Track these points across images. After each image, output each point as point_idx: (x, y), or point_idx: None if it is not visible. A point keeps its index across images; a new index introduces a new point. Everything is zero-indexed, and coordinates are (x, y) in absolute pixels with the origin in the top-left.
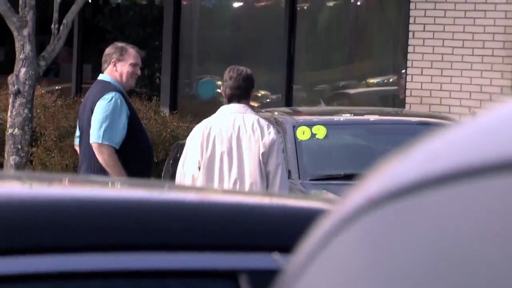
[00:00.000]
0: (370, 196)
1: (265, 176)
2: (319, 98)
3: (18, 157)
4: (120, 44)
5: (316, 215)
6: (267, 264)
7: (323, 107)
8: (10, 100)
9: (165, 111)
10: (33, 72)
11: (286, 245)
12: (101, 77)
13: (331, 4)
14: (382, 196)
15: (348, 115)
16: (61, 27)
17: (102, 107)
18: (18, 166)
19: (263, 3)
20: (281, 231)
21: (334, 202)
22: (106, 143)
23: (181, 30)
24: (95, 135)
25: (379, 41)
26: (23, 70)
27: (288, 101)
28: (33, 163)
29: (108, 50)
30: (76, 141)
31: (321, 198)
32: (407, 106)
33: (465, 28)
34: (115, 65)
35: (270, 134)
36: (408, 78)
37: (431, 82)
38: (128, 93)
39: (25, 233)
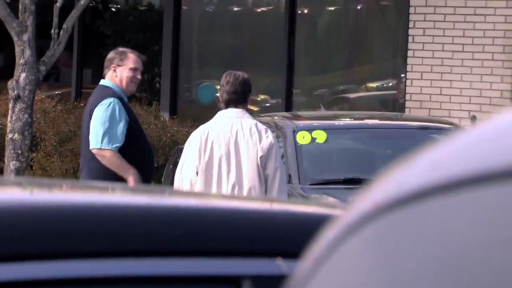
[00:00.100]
0: (375, 203)
1: (264, 180)
2: (319, 102)
3: (18, 162)
4: (121, 49)
5: (320, 220)
6: (270, 270)
7: (323, 112)
8: (10, 105)
9: (165, 115)
10: (33, 77)
11: (290, 251)
12: (102, 82)
13: (331, 8)
14: (387, 203)
15: (348, 119)
16: (61, 32)
17: (100, 113)
18: (18, 171)
19: (263, 8)
20: (284, 236)
21: (336, 207)
22: (106, 147)
23: (181, 35)
24: (94, 141)
25: (378, 45)
26: (23, 75)
27: (288, 106)
28: (33, 168)
29: (109, 55)
30: None
31: (323, 204)
32: (407, 110)
33: (465, 32)
34: (115, 70)
35: (268, 138)
36: (408, 82)
37: (431, 87)
38: (128, 98)
39: (28, 240)
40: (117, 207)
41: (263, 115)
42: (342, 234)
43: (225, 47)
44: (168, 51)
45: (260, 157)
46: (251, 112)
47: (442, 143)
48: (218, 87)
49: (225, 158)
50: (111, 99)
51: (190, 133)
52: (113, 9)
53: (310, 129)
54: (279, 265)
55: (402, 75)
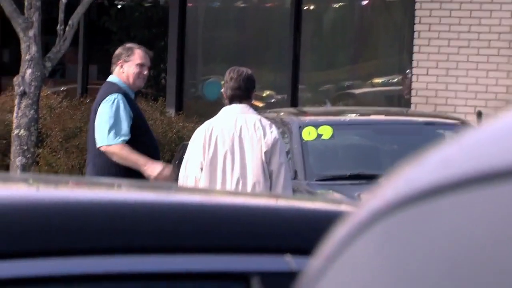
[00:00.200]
0: (385, 201)
1: (268, 176)
2: (325, 98)
3: (24, 158)
4: (128, 45)
5: (327, 217)
6: (279, 266)
7: (328, 108)
8: (16, 101)
9: (171, 111)
10: (38, 73)
11: (298, 247)
12: (109, 78)
13: (336, 4)
14: (397, 201)
15: (354, 115)
16: (67, 28)
17: (104, 110)
18: (24, 167)
19: (268, 4)
20: (292, 233)
21: (343, 203)
22: (113, 142)
23: (187, 31)
24: (100, 139)
25: (384, 41)
26: (28, 71)
27: (294, 101)
28: (39, 164)
29: (117, 51)
30: None
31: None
32: (412, 106)
33: (471, 28)
34: (122, 66)
35: (273, 133)
36: (414, 78)
37: (436, 82)
38: (135, 94)
39: (35, 236)
40: (127, 204)
41: (268, 111)
42: (353, 232)
43: (231, 43)
44: (174, 47)
45: (265, 152)
46: (256, 108)
47: (451, 141)
48: (223, 83)
49: (229, 153)
50: (115, 95)
51: (196, 129)
52: (118, 6)
53: (316, 125)
54: (287, 261)
55: (408, 71)
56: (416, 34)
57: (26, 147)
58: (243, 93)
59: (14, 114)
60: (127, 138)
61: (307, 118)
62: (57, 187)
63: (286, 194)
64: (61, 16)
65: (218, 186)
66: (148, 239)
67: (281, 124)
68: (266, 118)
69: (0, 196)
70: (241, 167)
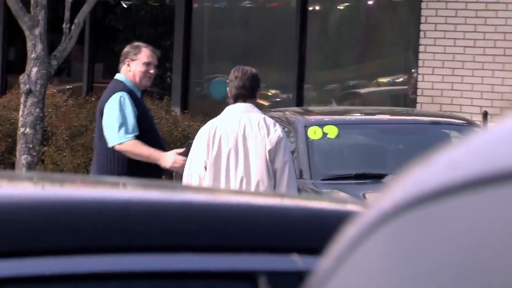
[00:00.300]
0: (394, 202)
1: (273, 174)
2: (330, 97)
3: (30, 156)
4: (136, 43)
5: (334, 216)
6: (286, 266)
7: (334, 107)
8: (22, 100)
9: (176, 110)
10: (44, 71)
11: (305, 247)
12: (116, 76)
13: (342, 4)
14: (406, 202)
15: (359, 114)
16: (73, 27)
17: (110, 109)
18: (30, 165)
19: (274, 4)
20: (299, 232)
21: (349, 202)
22: (125, 139)
23: (192, 30)
24: (111, 139)
25: (390, 40)
26: (34, 69)
27: (299, 101)
28: (45, 162)
29: (125, 49)
30: None
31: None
32: (418, 105)
33: (477, 27)
34: (129, 64)
35: (277, 131)
36: (420, 77)
37: (442, 82)
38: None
39: (42, 235)
40: (133, 203)
41: (274, 110)
42: (362, 233)
43: (237, 42)
44: (180, 46)
45: (269, 151)
46: (261, 107)
47: (460, 143)
48: (228, 81)
49: (233, 152)
50: (119, 93)
51: (201, 128)
52: (124, 5)
53: (321, 124)
54: (294, 261)
55: (414, 70)
56: (422, 34)
57: (31, 145)
58: (248, 92)
59: (20, 112)
60: (136, 133)
61: (313, 117)
62: (63, 185)
63: (291, 193)
64: (67, 14)
65: (222, 185)
66: (155, 238)
67: (286, 123)
68: (272, 117)
69: (5, 194)
70: (245, 166)
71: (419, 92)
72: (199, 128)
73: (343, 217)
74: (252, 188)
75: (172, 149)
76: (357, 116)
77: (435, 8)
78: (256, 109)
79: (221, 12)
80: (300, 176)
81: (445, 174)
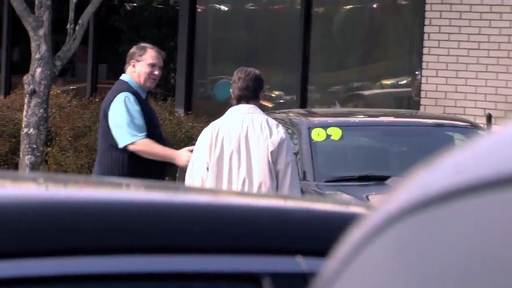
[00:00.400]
0: (400, 205)
1: (275, 176)
2: (334, 99)
3: (33, 157)
4: (142, 44)
5: (339, 218)
6: (290, 267)
7: (338, 109)
8: (26, 100)
9: (180, 111)
10: (48, 72)
11: (309, 248)
12: (121, 77)
13: (346, 5)
14: (411, 206)
15: (363, 116)
16: (77, 27)
17: (116, 110)
18: (33, 166)
19: (278, 6)
20: (304, 234)
21: (353, 204)
22: (136, 138)
23: (196, 31)
24: (121, 139)
25: (394, 42)
26: (38, 70)
27: (303, 102)
28: (48, 163)
29: (131, 50)
30: None
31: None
32: (421, 107)
33: (481, 30)
34: (134, 65)
35: (279, 133)
36: (423, 79)
37: (446, 84)
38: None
39: (46, 235)
40: (136, 204)
41: (278, 112)
42: (367, 235)
43: (240, 43)
44: (183, 47)
45: (271, 152)
46: (265, 109)
47: (465, 146)
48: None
49: (235, 153)
50: (124, 94)
51: (204, 129)
52: (128, 7)
53: (325, 126)
54: (298, 262)
55: (418, 73)
56: (426, 36)
57: (35, 146)
58: (251, 93)
59: (24, 113)
60: (146, 132)
61: (316, 119)
62: (66, 186)
63: (294, 194)
64: (71, 15)
65: (224, 186)
66: (159, 239)
67: (290, 125)
68: (275, 118)
69: (9, 195)
70: (247, 167)
71: (422, 94)
72: (202, 129)
73: (347, 219)
74: (255, 190)
75: (175, 149)
76: (360, 118)
77: (439, 10)
78: (259, 110)
79: (225, 14)
80: (304, 177)
81: (450, 177)
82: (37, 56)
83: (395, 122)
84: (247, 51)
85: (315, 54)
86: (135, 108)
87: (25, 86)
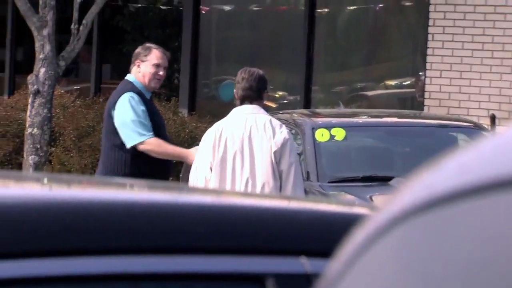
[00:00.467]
0: (403, 207)
1: (278, 176)
2: (338, 100)
3: (37, 157)
4: (147, 45)
5: (343, 219)
6: (294, 268)
7: (342, 109)
8: (30, 100)
9: (184, 112)
10: (52, 72)
11: (313, 249)
12: (126, 77)
13: (350, 6)
14: (415, 207)
15: (367, 117)
16: (81, 28)
17: (121, 109)
18: (37, 166)
19: (282, 6)
20: (308, 234)
21: (356, 205)
22: (145, 138)
23: (200, 32)
24: (129, 139)
25: (398, 43)
26: (42, 70)
27: (307, 103)
28: (52, 163)
29: (136, 50)
30: None
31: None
32: (425, 108)
33: (485, 30)
34: (139, 66)
35: (282, 133)
36: (427, 80)
37: (450, 85)
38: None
39: (49, 236)
40: (140, 204)
41: (281, 112)
42: (371, 237)
43: (244, 44)
44: (187, 47)
45: (274, 152)
46: (268, 109)
47: (469, 147)
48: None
49: (238, 154)
50: (128, 93)
51: (208, 130)
52: (131, 9)
53: (329, 127)
54: (302, 263)
55: (421, 73)
56: (430, 37)
57: (39, 146)
58: (255, 94)
59: (28, 113)
60: (152, 131)
61: (320, 120)
62: (70, 186)
63: (297, 194)
64: (75, 15)
65: (228, 186)
66: (163, 240)
67: (294, 125)
68: (279, 119)
69: (13, 195)
70: (250, 167)
71: (426, 95)
72: (206, 130)
73: (351, 220)
74: (258, 190)
75: None
76: (364, 119)
77: (443, 11)
78: (262, 111)
79: (229, 14)
80: (307, 178)
81: (455, 178)
82: (41, 56)
83: (399, 123)
84: (251, 52)
85: (319, 54)
86: (140, 108)
87: (29, 86)
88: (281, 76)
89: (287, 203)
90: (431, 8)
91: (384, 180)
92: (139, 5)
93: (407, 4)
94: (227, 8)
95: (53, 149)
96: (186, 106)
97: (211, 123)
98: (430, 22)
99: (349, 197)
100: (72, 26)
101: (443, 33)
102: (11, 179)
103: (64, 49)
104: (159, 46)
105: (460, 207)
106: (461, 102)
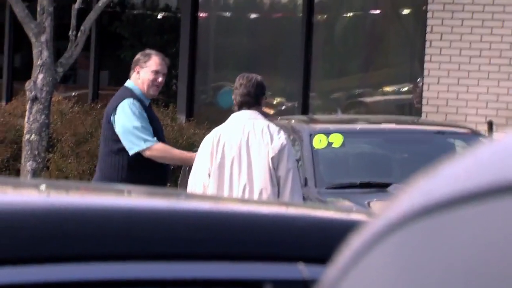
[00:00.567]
0: (401, 213)
1: (276, 182)
2: (336, 106)
3: (35, 163)
4: (147, 51)
5: (341, 225)
6: (292, 274)
7: (339, 116)
8: (27, 106)
9: (182, 118)
10: (50, 78)
11: (311, 255)
12: (126, 83)
13: (348, 12)
14: (413, 213)
15: (365, 123)
16: (79, 34)
17: (122, 115)
18: (35, 172)
19: (280, 13)
20: (306, 241)
21: (355, 212)
22: (150, 144)
23: (198, 38)
24: (133, 146)
25: (396, 49)
26: (40, 76)
27: (305, 109)
28: (50, 169)
29: (136, 57)
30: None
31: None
32: (423, 115)
33: (482, 37)
34: (138, 72)
35: (280, 138)
36: (425, 87)
37: (447, 91)
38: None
39: (47, 242)
40: (139, 210)
41: (279, 118)
42: (367, 243)
43: (242, 50)
44: (185, 53)
45: (272, 158)
46: (266, 115)
47: (467, 153)
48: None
49: (236, 160)
50: (128, 100)
51: (206, 136)
52: (129, 15)
53: (326, 133)
54: (300, 269)
55: (419, 80)
56: (427, 43)
57: (37, 152)
58: (253, 100)
59: (25, 119)
60: (155, 137)
61: (318, 126)
62: (68, 192)
63: (295, 200)
64: (73, 21)
65: (226, 192)
66: (161, 246)
67: (291, 132)
68: (277, 125)
69: (10, 201)
70: (248, 173)
71: (424, 101)
72: (204, 136)
73: (349, 226)
74: (255, 196)
75: None
76: (362, 125)
77: (441, 18)
78: (260, 116)
79: (227, 21)
80: (305, 184)
81: (452, 185)
82: (39, 62)
83: (396, 129)
84: (249, 58)
85: (317, 61)
86: (141, 113)
87: (27, 93)
88: (279, 82)
89: (284, 209)
90: (429, 14)
91: (381, 186)
92: (137, 11)
93: (405, 10)
94: (225, 14)
95: (51, 155)
96: (184, 112)
97: (209, 129)
98: (428, 29)
99: (347, 203)
100: (70, 33)
101: (441, 39)
102: (9, 185)
103: (62, 55)
104: (159, 53)
105: (458, 213)
106: (459, 109)
